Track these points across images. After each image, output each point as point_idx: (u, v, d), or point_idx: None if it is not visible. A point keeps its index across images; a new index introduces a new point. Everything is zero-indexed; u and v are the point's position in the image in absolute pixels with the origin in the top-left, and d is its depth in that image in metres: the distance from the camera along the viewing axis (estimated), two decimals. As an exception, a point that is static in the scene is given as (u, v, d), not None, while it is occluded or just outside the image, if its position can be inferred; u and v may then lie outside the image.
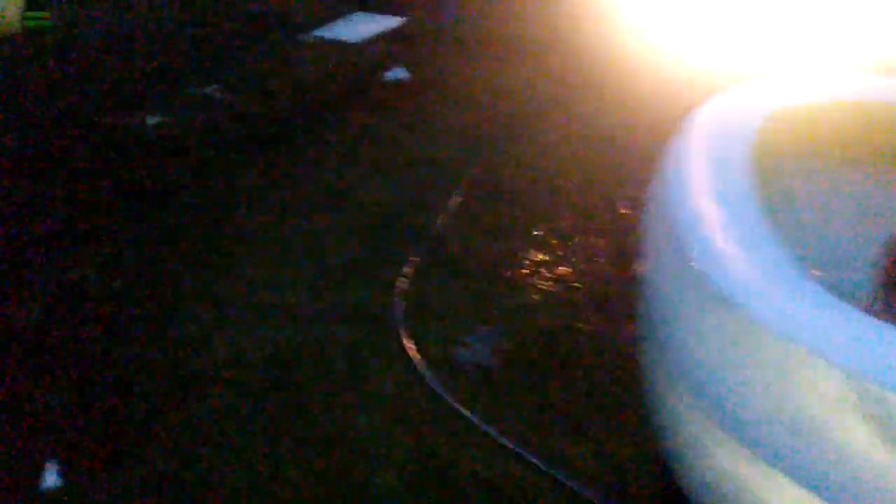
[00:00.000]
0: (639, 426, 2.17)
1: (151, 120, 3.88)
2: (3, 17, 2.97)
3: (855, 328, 1.72)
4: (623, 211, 3.33)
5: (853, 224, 2.78)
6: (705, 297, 1.87)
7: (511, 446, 2.12)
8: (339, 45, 5.10)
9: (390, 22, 5.61)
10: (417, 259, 2.89)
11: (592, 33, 5.21)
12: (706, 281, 1.88)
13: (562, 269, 2.92)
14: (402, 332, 2.50)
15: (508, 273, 2.87)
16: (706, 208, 2.26)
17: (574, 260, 2.97)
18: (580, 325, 2.60)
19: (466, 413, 2.22)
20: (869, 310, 2.17)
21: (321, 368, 2.39)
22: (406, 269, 2.83)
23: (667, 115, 4.26)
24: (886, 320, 1.78)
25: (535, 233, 3.13)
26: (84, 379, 2.35)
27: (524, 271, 2.88)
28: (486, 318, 2.61)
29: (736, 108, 2.92)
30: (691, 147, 2.64)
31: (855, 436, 1.55)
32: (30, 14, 4.72)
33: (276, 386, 2.33)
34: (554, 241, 3.08)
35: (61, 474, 2.07)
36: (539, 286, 2.82)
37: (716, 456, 1.86)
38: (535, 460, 2.09)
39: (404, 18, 5.63)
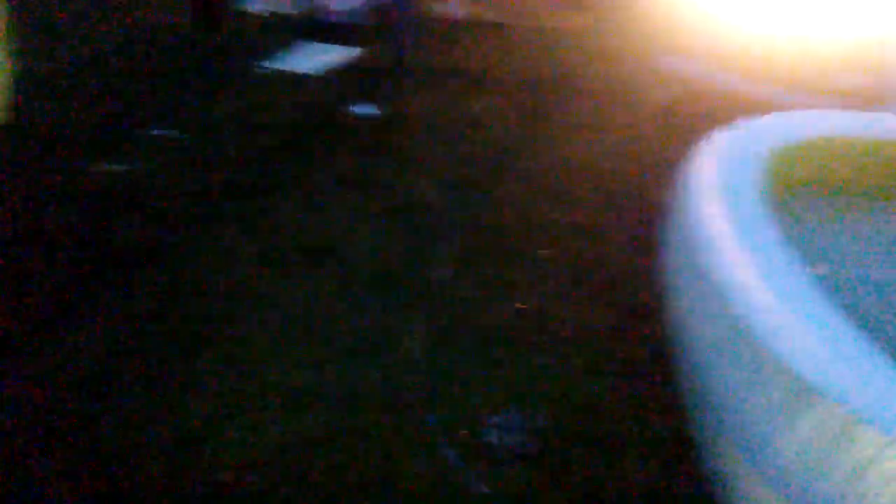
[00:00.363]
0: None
1: (110, 168, 3.44)
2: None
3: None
4: (623, 254, 3.08)
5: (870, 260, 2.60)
6: (788, 387, 1.62)
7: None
8: (297, 79, 4.72)
9: (345, 53, 5.26)
10: (424, 326, 2.57)
11: (548, 62, 4.98)
12: (787, 368, 1.65)
13: (574, 327, 2.64)
14: (427, 417, 2.18)
15: (521, 334, 2.58)
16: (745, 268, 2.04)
17: (583, 315, 2.70)
18: (610, 394, 2.33)
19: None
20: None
21: (341, 465, 2.04)
22: (415, 338, 2.50)
23: (645, 144, 4.07)
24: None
25: (537, 284, 2.85)
26: (76, 492, 1.95)
27: (535, 334, 2.59)
28: (512, 391, 2.31)
29: (747, 143, 2.73)
30: (710, 201, 2.41)
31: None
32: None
33: (292, 492, 1.97)
34: (557, 294, 2.80)
35: None
36: (555, 347, 2.53)
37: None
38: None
39: (359, 50, 5.28)
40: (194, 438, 2.09)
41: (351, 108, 4.22)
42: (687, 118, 4.11)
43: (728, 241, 2.22)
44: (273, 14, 5.62)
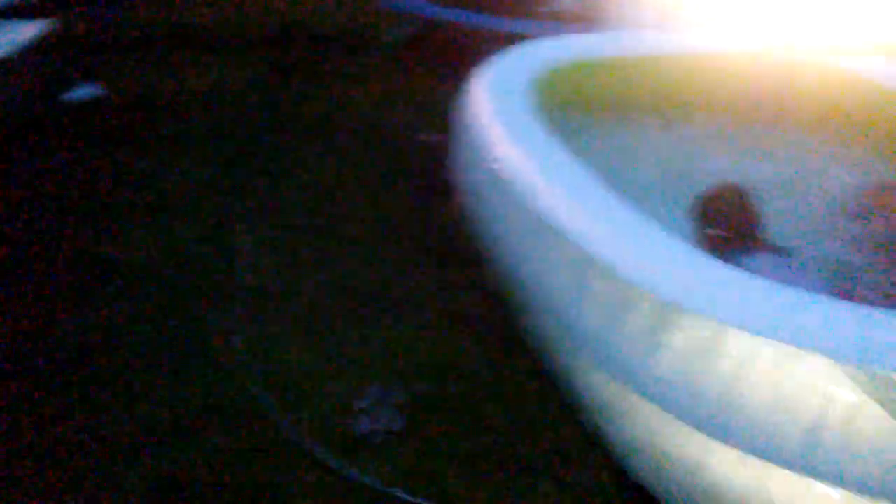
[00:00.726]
0: (581, 439, 1.93)
1: None
2: None
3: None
4: (418, 202, 2.98)
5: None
6: (652, 309, 1.67)
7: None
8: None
9: (31, 28, 4.42)
10: (245, 324, 2.28)
11: (278, 13, 4.63)
12: (649, 292, 1.68)
13: (396, 288, 2.51)
14: (283, 422, 1.95)
15: (345, 309, 2.40)
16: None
17: (401, 274, 2.58)
18: (453, 347, 2.25)
19: (402, 495, 1.78)
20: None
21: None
22: (241, 336, 2.21)
23: (404, 85, 3.94)
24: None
25: (344, 252, 2.67)
26: None
27: (360, 305, 2.42)
28: (363, 371, 2.14)
29: (513, 72, 2.75)
30: (494, 130, 2.39)
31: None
32: None
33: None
34: (368, 259, 2.65)
35: None
36: (384, 314, 2.39)
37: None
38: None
39: (50, 21, 4.47)
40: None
41: (67, 93, 3.59)
42: (431, 55, 4.09)
43: (527, 168, 2.21)
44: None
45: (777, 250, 2.38)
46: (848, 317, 1.56)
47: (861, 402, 1.44)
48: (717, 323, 1.57)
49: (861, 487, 1.48)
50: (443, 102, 3.62)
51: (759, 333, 1.52)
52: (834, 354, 1.46)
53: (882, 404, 1.43)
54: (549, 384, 2.06)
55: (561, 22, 4.15)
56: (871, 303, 2.08)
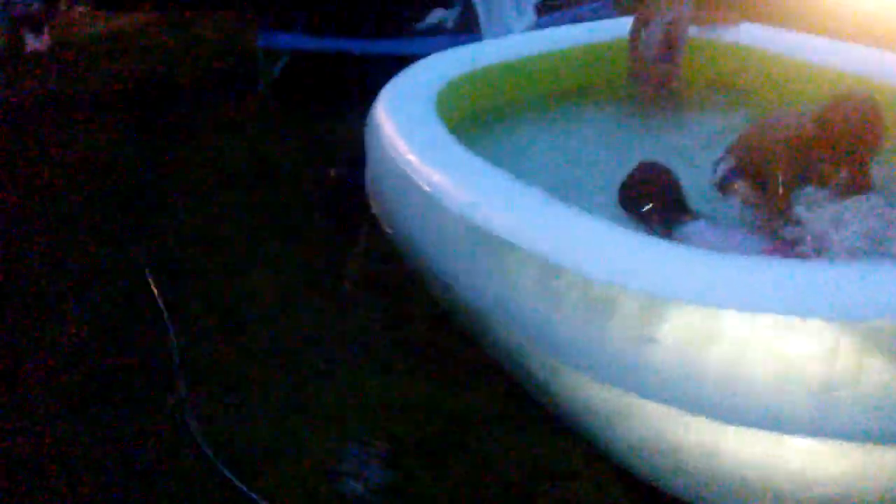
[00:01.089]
0: (577, 452, 1.85)
1: None
2: None
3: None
4: (333, 246, 2.84)
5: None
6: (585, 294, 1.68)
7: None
8: None
9: None
10: (192, 401, 2.07)
11: (147, 68, 4.33)
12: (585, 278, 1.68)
13: (333, 331, 2.36)
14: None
15: (300, 362, 2.23)
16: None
17: (328, 315, 2.43)
18: (413, 387, 2.12)
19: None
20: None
21: None
22: (192, 418, 2.00)
23: (290, 116, 3.76)
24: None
25: (270, 304, 2.51)
26: None
27: (305, 353, 2.26)
28: (333, 429, 1.98)
29: (421, 78, 2.69)
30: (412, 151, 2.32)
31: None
32: None
33: None
34: (294, 302, 2.50)
35: None
36: (330, 362, 2.23)
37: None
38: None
39: None
40: None
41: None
42: (311, 88, 3.97)
43: (460, 186, 2.14)
44: None
45: (706, 217, 2.38)
46: (824, 276, 1.58)
47: (864, 356, 1.44)
48: (710, 308, 1.53)
49: (875, 438, 1.48)
50: (333, 134, 3.53)
51: (754, 310, 1.50)
52: (828, 316, 1.46)
53: (883, 354, 1.44)
54: (527, 401, 1.98)
55: (437, 37, 4.11)
56: (811, 254, 2.13)
